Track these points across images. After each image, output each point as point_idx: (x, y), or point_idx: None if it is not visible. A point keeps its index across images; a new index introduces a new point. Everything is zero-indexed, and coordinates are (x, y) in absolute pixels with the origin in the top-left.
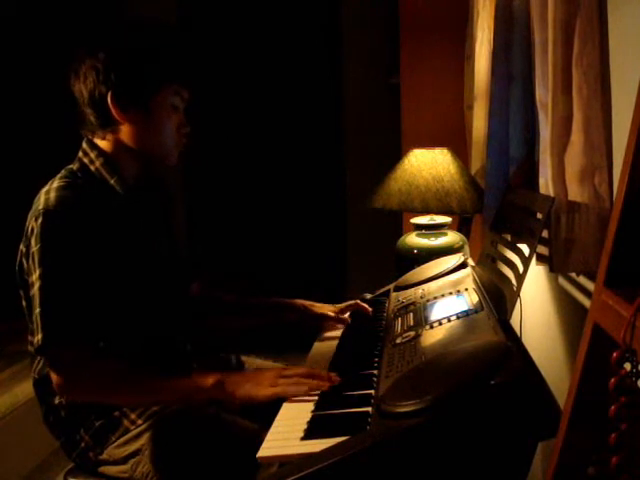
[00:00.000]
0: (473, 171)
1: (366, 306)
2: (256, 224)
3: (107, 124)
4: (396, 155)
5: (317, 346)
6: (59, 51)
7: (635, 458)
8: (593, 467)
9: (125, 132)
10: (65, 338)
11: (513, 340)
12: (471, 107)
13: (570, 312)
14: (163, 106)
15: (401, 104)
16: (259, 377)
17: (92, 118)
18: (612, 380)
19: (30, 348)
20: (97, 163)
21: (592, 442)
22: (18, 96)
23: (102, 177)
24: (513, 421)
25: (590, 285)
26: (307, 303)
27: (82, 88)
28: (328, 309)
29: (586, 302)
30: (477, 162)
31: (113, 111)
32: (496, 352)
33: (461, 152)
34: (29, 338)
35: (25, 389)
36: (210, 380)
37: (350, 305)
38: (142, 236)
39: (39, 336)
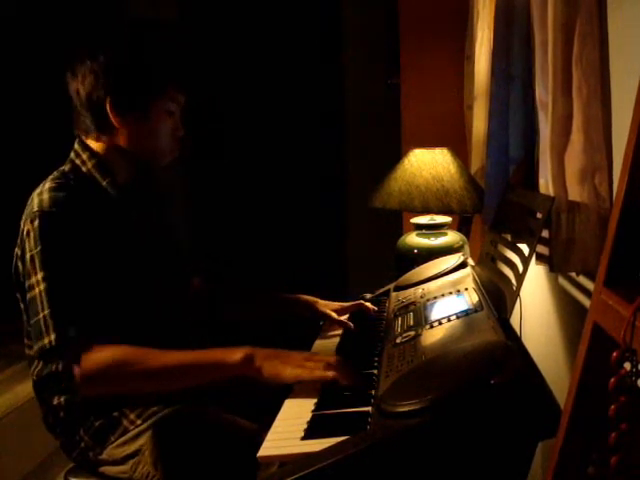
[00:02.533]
0: (473, 171)
1: (370, 306)
2: (256, 224)
3: (103, 127)
4: (396, 155)
5: (318, 345)
6: (59, 51)
7: (635, 458)
8: (593, 467)
9: (120, 135)
10: (81, 334)
11: (513, 340)
12: (471, 107)
13: (570, 312)
14: (159, 111)
15: (401, 104)
16: (288, 356)
17: (88, 120)
18: (612, 380)
19: (28, 351)
20: (89, 165)
21: (592, 442)
22: (17, 96)
23: (94, 178)
24: (513, 421)
25: (590, 285)
26: (312, 299)
27: (80, 89)
28: (332, 307)
29: (586, 302)
30: (477, 162)
31: (111, 115)
32: (496, 352)
33: (461, 152)
34: (26, 341)
35: (25, 389)
36: (239, 355)
37: (354, 305)
38: (135, 235)
39: (52, 337)
